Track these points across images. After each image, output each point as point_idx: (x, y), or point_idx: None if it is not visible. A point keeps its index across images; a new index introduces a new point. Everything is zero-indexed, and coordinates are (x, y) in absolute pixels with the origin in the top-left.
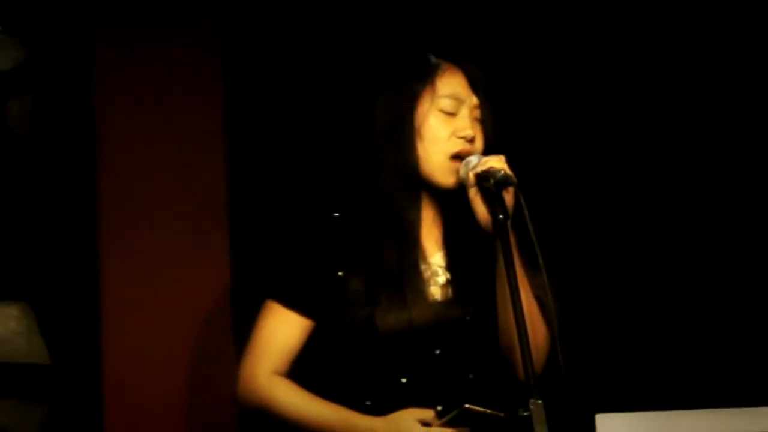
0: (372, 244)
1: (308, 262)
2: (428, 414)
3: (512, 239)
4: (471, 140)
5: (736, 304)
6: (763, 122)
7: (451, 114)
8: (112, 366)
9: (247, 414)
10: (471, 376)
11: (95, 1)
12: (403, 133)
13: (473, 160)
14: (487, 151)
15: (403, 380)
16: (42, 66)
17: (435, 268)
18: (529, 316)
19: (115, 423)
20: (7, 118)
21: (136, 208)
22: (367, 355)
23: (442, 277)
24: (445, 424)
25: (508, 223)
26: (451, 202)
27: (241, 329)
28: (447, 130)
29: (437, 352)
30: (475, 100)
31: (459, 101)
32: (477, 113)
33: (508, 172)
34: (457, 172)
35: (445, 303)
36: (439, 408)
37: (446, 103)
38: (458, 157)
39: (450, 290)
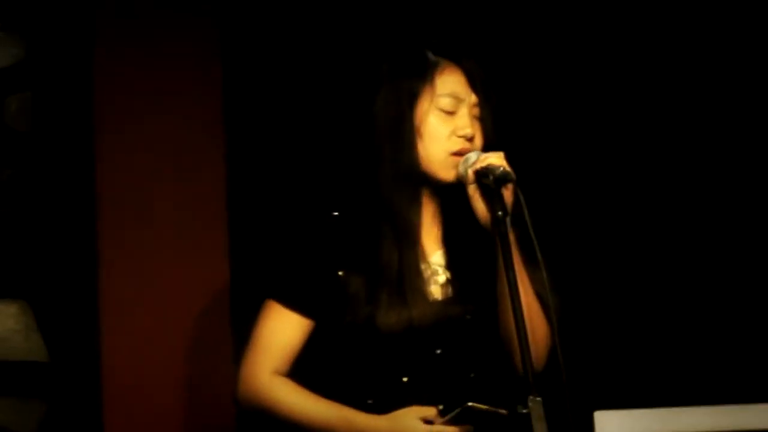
0: (372, 243)
1: (308, 261)
2: (430, 412)
3: (511, 236)
4: (470, 139)
5: (734, 300)
6: (763, 122)
7: (451, 113)
8: (111, 364)
9: (245, 413)
10: (472, 375)
11: None
12: (403, 133)
13: (472, 156)
14: (487, 149)
15: (405, 379)
16: (41, 63)
17: (435, 267)
18: (529, 313)
19: (113, 420)
20: (6, 116)
21: (135, 206)
22: (368, 354)
23: (442, 276)
24: (447, 422)
25: (508, 219)
26: (451, 200)
27: (240, 328)
28: (447, 129)
29: (438, 351)
30: (474, 99)
31: (458, 100)
32: (476, 111)
33: (507, 168)
34: (457, 167)
35: (446, 302)
36: (441, 407)
37: (446, 102)
38: (458, 155)
39: (450, 289)
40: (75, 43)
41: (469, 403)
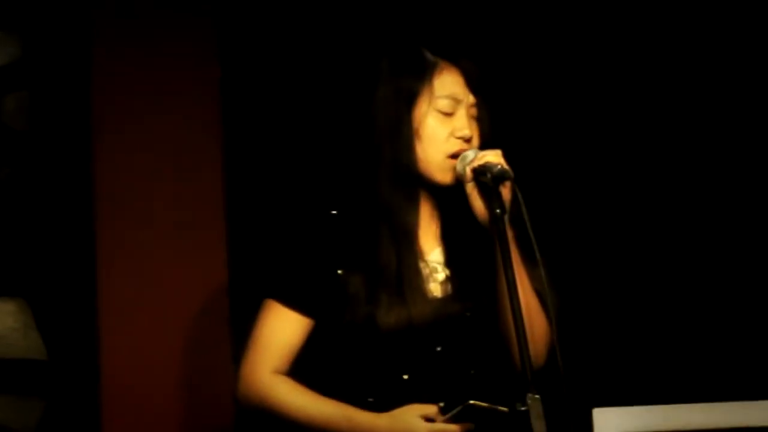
0: (370, 242)
1: (307, 260)
2: (431, 410)
3: (510, 233)
4: (468, 140)
5: (732, 297)
6: (763, 122)
7: (449, 114)
8: (110, 362)
9: (243, 412)
10: (472, 372)
11: None
12: (401, 134)
13: (470, 154)
14: (484, 148)
15: (405, 377)
16: (39, 62)
17: (434, 265)
18: (528, 310)
19: (112, 419)
20: (3, 114)
21: (133, 205)
22: (368, 352)
23: (441, 274)
24: (449, 420)
25: (506, 217)
26: (449, 198)
27: (239, 328)
28: (445, 130)
29: (438, 348)
30: (472, 99)
31: (456, 101)
32: (474, 112)
33: (505, 166)
34: (455, 168)
35: (445, 300)
36: (442, 404)
37: (444, 104)
38: (456, 156)
39: (449, 287)
40: (73, 42)
41: (471, 401)
